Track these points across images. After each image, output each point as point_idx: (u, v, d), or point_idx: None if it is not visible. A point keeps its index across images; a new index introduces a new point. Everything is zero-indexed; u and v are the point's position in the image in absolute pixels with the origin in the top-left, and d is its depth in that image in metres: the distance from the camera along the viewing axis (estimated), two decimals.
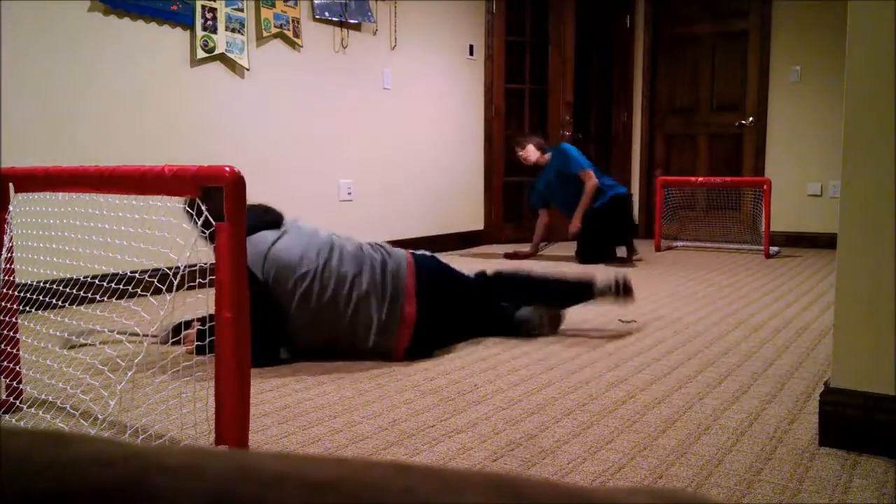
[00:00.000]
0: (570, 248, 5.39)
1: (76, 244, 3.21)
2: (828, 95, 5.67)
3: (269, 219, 2.40)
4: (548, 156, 4.88)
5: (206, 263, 3.56)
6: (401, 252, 2.44)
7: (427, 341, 2.39)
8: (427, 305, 2.34)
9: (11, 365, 1.87)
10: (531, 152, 4.85)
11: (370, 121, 4.85)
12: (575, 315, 3.00)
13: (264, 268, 2.25)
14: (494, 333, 2.66)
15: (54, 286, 3.11)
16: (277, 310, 2.29)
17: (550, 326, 2.68)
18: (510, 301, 2.68)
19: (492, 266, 3.53)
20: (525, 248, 5.37)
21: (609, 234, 4.77)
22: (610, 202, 4.72)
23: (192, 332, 2.44)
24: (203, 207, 1.47)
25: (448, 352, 2.45)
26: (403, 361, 2.32)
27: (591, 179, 4.68)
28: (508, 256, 4.96)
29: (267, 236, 2.31)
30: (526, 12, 6.04)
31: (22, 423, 1.80)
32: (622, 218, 4.82)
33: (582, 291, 2.68)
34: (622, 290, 2.68)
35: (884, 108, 1.52)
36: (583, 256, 4.75)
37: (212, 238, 2.18)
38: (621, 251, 4.91)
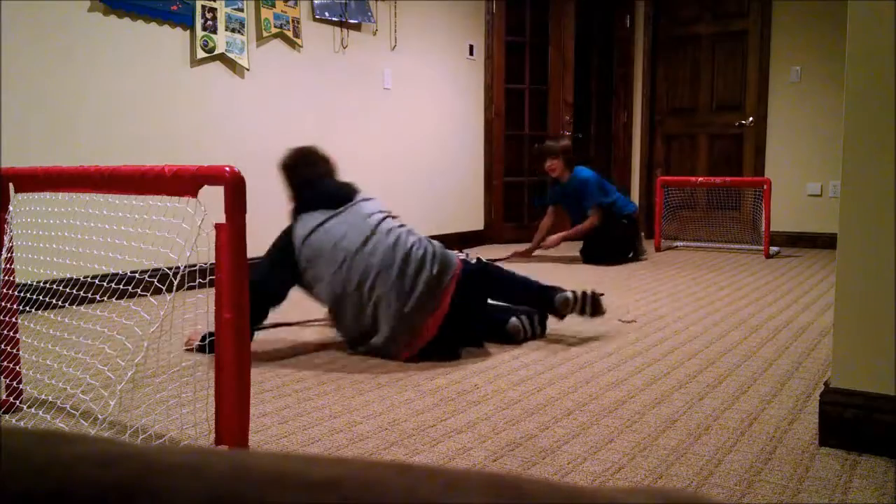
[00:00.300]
0: (575, 247, 5.38)
1: (76, 244, 3.21)
2: (828, 95, 5.67)
3: (340, 194, 2.47)
4: (568, 175, 4.88)
5: (206, 263, 3.56)
6: (452, 259, 2.38)
7: (437, 350, 2.36)
8: (452, 321, 2.32)
9: (11, 365, 1.87)
10: (560, 168, 4.84)
11: (370, 121, 4.85)
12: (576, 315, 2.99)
13: (304, 244, 2.33)
14: (488, 339, 2.63)
15: (54, 286, 3.11)
16: (295, 280, 2.38)
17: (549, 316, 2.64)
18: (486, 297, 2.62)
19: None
20: (525, 247, 5.37)
21: (615, 243, 4.82)
22: (624, 216, 4.82)
23: (196, 331, 2.45)
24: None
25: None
26: (406, 362, 2.32)
27: (595, 218, 4.74)
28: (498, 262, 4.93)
29: (315, 217, 2.38)
30: (526, 12, 6.04)
31: (22, 423, 1.80)
32: (630, 232, 4.88)
33: (542, 299, 2.57)
34: (588, 305, 2.54)
35: (884, 109, 1.52)
36: (586, 257, 4.80)
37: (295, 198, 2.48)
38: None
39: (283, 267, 2.35)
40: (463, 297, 2.33)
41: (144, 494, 0.23)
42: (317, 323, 2.92)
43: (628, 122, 6.57)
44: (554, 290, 2.57)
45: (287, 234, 2.39)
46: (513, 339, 2.55)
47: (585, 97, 6.53)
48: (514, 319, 2.56)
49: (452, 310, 2.30)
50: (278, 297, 2.36)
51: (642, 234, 5.14)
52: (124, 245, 3.40)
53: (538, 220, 5.31)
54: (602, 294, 2.60)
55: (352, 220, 2.37)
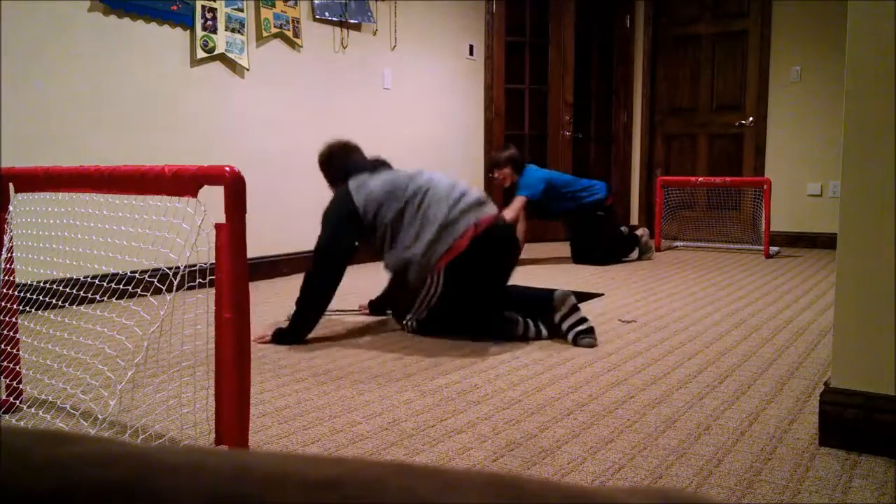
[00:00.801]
0: (566, 250, 5.38)
1: (76, 244, 3.21)
2: (828, 95, 5.67)
3: (378, 166, 2.73)
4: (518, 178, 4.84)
5: (206, 263, 3.56)
6: (493, 206, 2.63)
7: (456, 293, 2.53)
8: (479, 262, 2.51)
9: (11, 365, 1.87)
10: (509, 176, 4.80)
11: (370, 121, 4.85)
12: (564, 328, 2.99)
13: (358, 190, 2.57)
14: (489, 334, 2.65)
15: (54, 286, 3.11)
16: (358, 226, 2.57)
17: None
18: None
19: None
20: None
21: (600, 241, 4.80)
22: (599, 209, 4.78)
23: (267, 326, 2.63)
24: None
25: (448, 352, 2.45)
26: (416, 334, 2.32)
27: (517, 203, 4.63)
28: None
29: (362, 175, 2.65)
30: (526, 12, 6.04)
31: (22, 423, 1.80)
32: (614, 227, 4.86)
33: (543, 305, 2.62)
34: (581, 322, 2.54)
35: (884, 108, 1.52)
36: (575, 258, 4.81)
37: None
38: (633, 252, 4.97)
39: (347, 217, 2.56)
40: (488, 245, 2.51)
41: (144, 494, 0.23)
42: (357, 313, 3.15)
43: (628, 122, 6.57)
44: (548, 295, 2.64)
45: (342, 191, 2.61)
46: (511, 331, 2.57)
47: (585, 97, 6.52)
48: (511, 312, 2.59)
49: (480, 245, 2.47)
50: (349, 248, 2.56)
51: (645, 229, 5.10)
52: (124, 245, 3.40)
53: (533, 220, 5.29)
54: (595, 341, 2.54)
55: (396, 172, 2.66)
